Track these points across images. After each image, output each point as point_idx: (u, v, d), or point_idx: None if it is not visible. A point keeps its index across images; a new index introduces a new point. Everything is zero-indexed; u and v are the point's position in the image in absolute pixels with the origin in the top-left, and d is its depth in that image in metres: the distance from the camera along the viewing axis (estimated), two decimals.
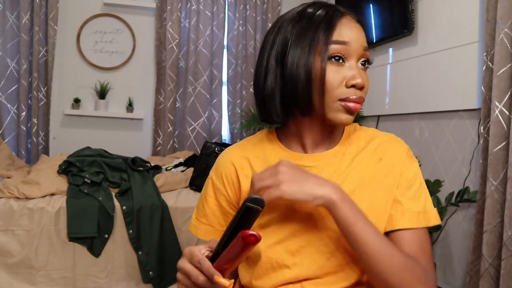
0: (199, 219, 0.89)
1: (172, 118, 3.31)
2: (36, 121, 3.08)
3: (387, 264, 0.68)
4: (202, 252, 0.62)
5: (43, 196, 2.08)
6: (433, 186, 1.99)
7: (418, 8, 2.35)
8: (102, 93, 3.26)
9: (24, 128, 3.06)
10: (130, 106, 3.34)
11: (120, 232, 2.05)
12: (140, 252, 2.03)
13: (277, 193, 0.68)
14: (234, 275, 0.90)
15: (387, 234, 0.76)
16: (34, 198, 2.05)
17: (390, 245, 0.70)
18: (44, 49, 3.12)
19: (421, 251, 0.74)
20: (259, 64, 0.79)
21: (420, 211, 0.76)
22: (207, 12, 3.38)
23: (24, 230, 1.97)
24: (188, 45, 3.36)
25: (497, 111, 1.68)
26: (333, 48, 0.72)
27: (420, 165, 0.84)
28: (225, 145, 2.61)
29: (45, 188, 2.09)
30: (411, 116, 2.43)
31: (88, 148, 2.55)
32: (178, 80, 3.34)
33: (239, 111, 3.42)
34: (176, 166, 2.79)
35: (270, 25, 3.42)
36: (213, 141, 3.33)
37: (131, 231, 2.04)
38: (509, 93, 1.67)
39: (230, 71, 3.47)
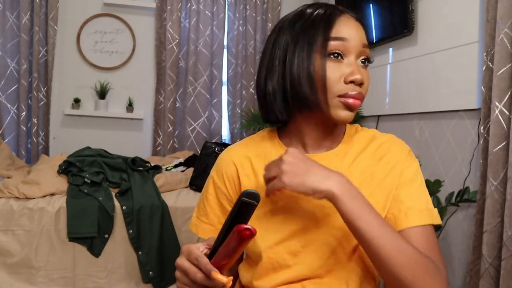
0: (200, 218, 0.89)
1: (172, 118, 3.31)
2: (36, 121, 3.08)
3: (398, 259, 0.65)
4: (200, 249, 0.62)
5: (43, 196, 2.08)
6: (433, 186, 1.99)
7: (418, 8, 2.35)
8: (102, 93, 3.26)
9: (24, 128, 3.06)
10: (130, 106, 3.34)
11: (120, 232, 2.05)
12: (140, 252, 2.03)
13: (280, 184, 0.68)
14: (234, 274, 0.90)
15: None
16: (34, 198, 2.05)
17: (399, 239, 0.67)
18: (44, 49, 3.12)
19: (430, 248, 0.72)
20: (261, 65, 0.80)
21: (424, 209, 0.75)
22: (207, 12, 3.38)
23: (24, 230, 1.97)
24: (188, 45, 3.36)
25: (497, 111, 1.68)
26: (332, 44, 0.73)
27: (420, 165, 0.83)
28: (225, 145, 2.61)
29: (45, 188, 2.09)
30: (411, 116, 2.43)
31: (88, 148, 2.55)
32: (178, 80, 3.34)
33: (239, 111, 3.42)
34: (176, 166, 2.79)
35: (270, 25, 3.44)
36: (213, 141, 3.33)
37: (131, 231, 2.04)
38: (509, 93, 1.67)
39: (230, 71, 3.46)
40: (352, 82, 0.73)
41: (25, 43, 3.04)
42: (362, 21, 0.78)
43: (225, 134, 3.51)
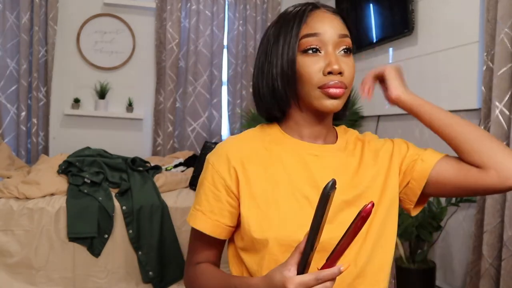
0: (195, 207, 0.85)
1: (172, 118, 3.31)
2: (36, 121, 3.08)
3: (473, 132, 0.78)
4: (291, 271, 0.61)
5: (43, 196, 2.08)
6: None
7: (418, 8, 2.35)
8: (102, 93, 3.26)
9: (24, 128, 3.06)
10: (130, 106, 3.33)
11: (120, 232, 2.05)
12: (140, 252, 2.03)
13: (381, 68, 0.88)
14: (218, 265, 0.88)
15: (425, 188, 0.82)
16: (34, 198, 2.05)
17: (465, 119, 0.80)
18: (44, 49, 3.12)
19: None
20: (254, 65, 0.86)
21: (433, 151, 0.84)
22: (207, 12, 3.38)
23: (24, 230, 1.97)
24: (188, 45, 3.36)
25: (497, 111, 1.68)
26: (306, 41, 0.76)
27: None
28: None
29: (45, 188, 2.09)
30: (411, 116, 2.42)
31: (88, 148, 2.55)
32: (178, 80, 3.34)
33: (239, 111, 3.42)
34: (176, 166, 2.79)
35: None
36: (213, 141, 3.33)
37: (131, 231, 2.04)
38: (509, 93, 1.67)
39: (230, 71, 3.46)
40: (330, 73, 0.75)
41: (25, 43, 3.03)
42: (340, 12, 0.81)
43: (225, 134, 3.51)
